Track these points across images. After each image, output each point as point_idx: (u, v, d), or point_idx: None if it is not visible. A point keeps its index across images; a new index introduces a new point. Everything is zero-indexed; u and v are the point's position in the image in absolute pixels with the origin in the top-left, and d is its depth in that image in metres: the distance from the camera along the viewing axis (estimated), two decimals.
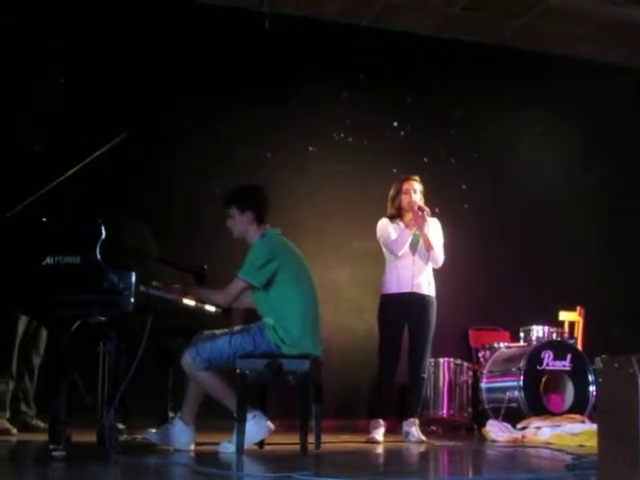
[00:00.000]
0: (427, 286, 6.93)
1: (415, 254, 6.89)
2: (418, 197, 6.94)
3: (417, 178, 7.02)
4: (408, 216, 6.94)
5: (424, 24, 9.04)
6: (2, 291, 4.83)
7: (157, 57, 8.08)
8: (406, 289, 6.86)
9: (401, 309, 6.86)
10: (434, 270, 7.01)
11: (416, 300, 6.87)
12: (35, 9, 7.76)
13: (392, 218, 6.97)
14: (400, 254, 6.84)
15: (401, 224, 6.93)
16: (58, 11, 7.82)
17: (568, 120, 9.58)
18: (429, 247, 6.87)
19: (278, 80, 8.57)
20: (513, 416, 7.34)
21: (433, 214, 6.96)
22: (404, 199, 6.95)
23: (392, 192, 7.05)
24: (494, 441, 6.92)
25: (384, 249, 6.99)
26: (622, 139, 9.76)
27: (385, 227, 6.95)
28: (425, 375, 6.95)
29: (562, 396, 7.71)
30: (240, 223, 5.56)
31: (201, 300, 5.60)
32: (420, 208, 6.83)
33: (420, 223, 6.83)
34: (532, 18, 8.93)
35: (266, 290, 5.42)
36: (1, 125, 7.03)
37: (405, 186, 6.98)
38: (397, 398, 7.26)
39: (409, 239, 6.84)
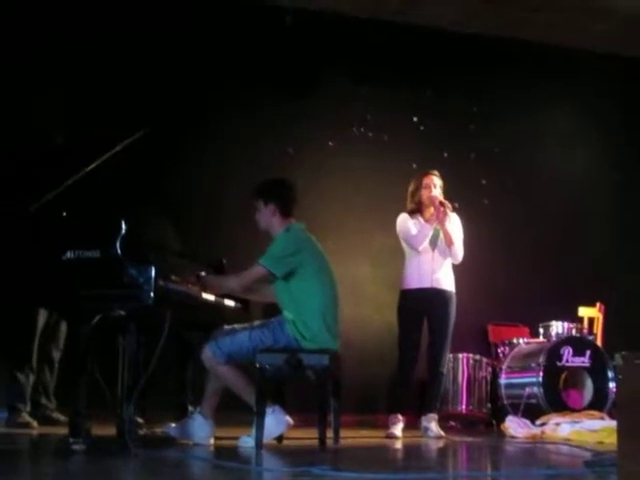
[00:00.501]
0: (447, 281, 6.93)
1: (435, 249, 6.88)
2: (438, 192, 6.93)
3: (437, 173, 7.01)
4: (429, 211, 6.93)
5: (445, 18, 9.00)
6: (23, 285, 4.87)
7: (181, 53, 8.09)
8: (426, 284, 6.85)
9: (421, 304, 6.86)
10: (453, 265, 7.00)
11: (436, 295, 6.86)
12: (58, 2, 7.80)
13: (412, 213, 6.97)
14: (420, 249, 6.83)
15: (421, 219, 6.92)
16: (83, 2, 7.86)
17: (589, 114, 9.54)
18: (450, 242, 6.86)
19: (299, 76, 8.57)
20: (532, 412, 7.33)
21: (453, 209, 6.94)
22: (424, 194, 6.94)
23: (412, 187, 7.04)
24: (513, 437, 6.90)
25: (403, 244, 6.99)
26: None
27: (405, 222, 6.94)
28: (444, 370, 6.95)
29: (581, 392, 7.69)
30: (265, 215, 5.62)
31: (215, 287, 5.59)
32: (441, 203, 6.81)
33: (441, 218, 6.82)
34: (554, 12, 8.89)
35: (287, 282, 5.44)
36: (23, 120, 7.07)
37: (425, 181, 6.97)
38: (416, 393, 7.26)
39: (429, 234, 6.83)
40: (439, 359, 6.84)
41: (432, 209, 6.90)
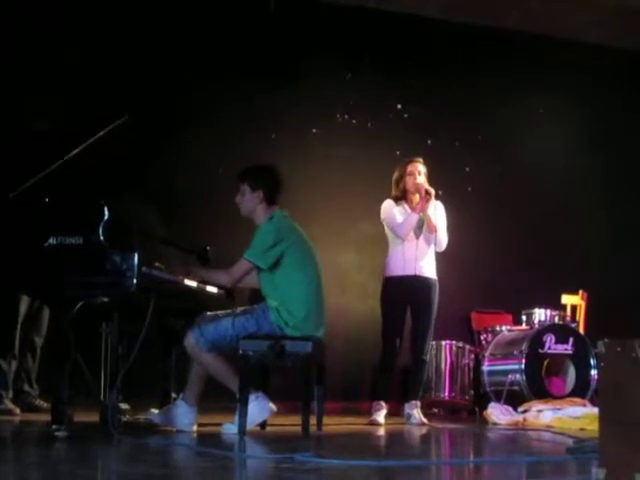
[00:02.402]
0: (430, 269, 6.93)
1: (419, 237, 6.89)
2: (423, 179, 6.92)
3: (421, 160, 7.01)
4: (414, 199, 6.92)
5: (429, 6, 8.99)
6: (5, 272, 4.85)
7: (161, 40, 8.05)
8: (410, 272, 6.86)
9: (404, 292, 6.86)
10: (437, 253, 7.00)
11: (419, 283, 6.87)
12: None
13: (396, 200, 6.96)
14: (406, 238, 6.83)
15: (407, 207, 6.91)
16: None
17: (574, 103, 9.54)
18: (432, 229, 6.86)
19: (282, 62, 8.55)
20: (514, 399, 7.36)
21: (437, 197, 6.94)
22: (409, 181, 6.93)
23: (396, 175, 7.03)
24: (495, 424, 6.94)
25: (388, 231, 6.98)
26: (629, 123, 9.73)
27: (390, 209, 6.94)
28: (427, 358, 6.96)
29: (564, 379, 7.73)
30: (250, 201, 5.57)
31: (205, 281, 5.60)
32: (427, 192, 6.80)
33: (425, 205, 6.82)
34: (538, 1, 8.89)
35: (271, 272, 5.43)
36: (4, 106, 7.03)
37: (410, 168, 6.96)
38: (399, 380, 7.28)
39: (414, 222, 6.83)
40: (422, 347, 6.85)
41: (417, 197, 6.90)
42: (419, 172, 6.93)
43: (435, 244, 6.92)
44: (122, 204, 5.06)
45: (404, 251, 6.87)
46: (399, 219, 6.86)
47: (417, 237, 6.89)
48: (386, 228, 6.99)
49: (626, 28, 9.35)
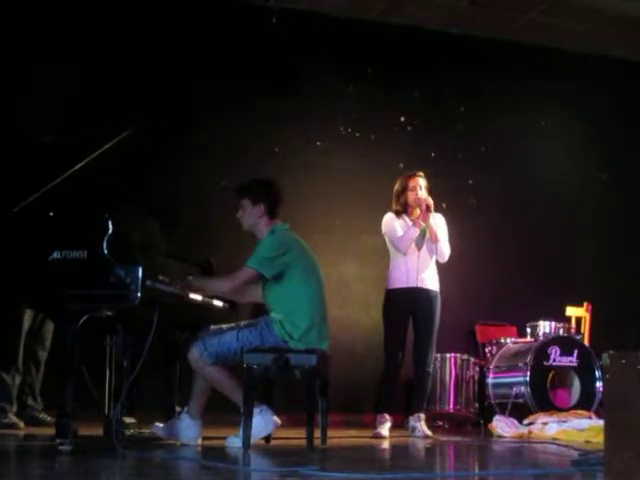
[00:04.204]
0: (432, 281, 6.92)
1: (421, 249, 6.88)
2: (424, 193, 6.91)
3: (422, 174, 7.00)
4: (415, 213, 6.92)
5: (432, 18, 9.02)
6: (10, 285, 4.85)
7: (165, 51, 8.07)
8: (412, 284, 6.85)
9: (407, 304, 6.86)
10: (441, 265, 7.00)
11: (422, 295, 6.87)
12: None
13: (397, 214, 6.96)
14: (406, 252, 6.83)
15: (408, 220, 6.91)
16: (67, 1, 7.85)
17: (576, 115, 9.55)
18: (435, 239, 6.85)
19: (285, 75, 8.57)
20: (520, 411, 7.34)
21: (439, 209, 6.93)
22: (410, 196, 6.92)
23: (397, 188, 7.02)
24: (500, 436, 6.92)
25: (389, 244, 6.98)
26: (630, 134, 9.73)
27: (391, 222, 6.93)
28: (431, 370, 6.95)
29: (569, 392, 7.71)
30: (251, 215, 5.56)
31: (206, 288, 5.58)
32: (428, 208, 6.80)
33: (425, 217, 6.82)
34: (540, 13, 8.91)
35: (275, 283, 5.43)
36: (9, 117, 7.05)
37: (411, 183, 6.95)
38: (403, 393, 7.27)
39: (415, 235, 6.82)
40: (425, 359, 6.84)
41: (418, 211, 6.90)
42: (420, 186, 6.92)
43: (437, 255, 6.91)
44: (125, 217, 5.06)
45: (407, 263, 6.86)
46: (400, 232, 6.86)
47: (419, 249, 6.88)
48: (387, 241, 6.99)
49: (628, 39, 9.35)
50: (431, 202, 6.80)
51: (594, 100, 9.57)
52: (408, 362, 6.92)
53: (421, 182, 6.95)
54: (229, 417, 5.78)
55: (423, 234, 6.87)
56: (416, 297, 6.85)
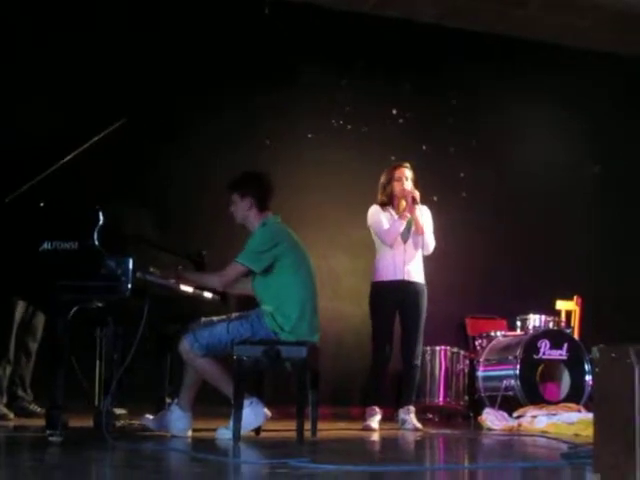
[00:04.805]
0: (418, 274, 6.91)
1: (407, 242, 6.88)
2: (410, 185, 6.90)
3: (408, 165, 6.99)
4: (401, 205, 6.91)
5: (424, 12, 9.01)
6: (0, 277, 4.84)
7: (157, 43, 8.05)
8: (399, 277, 6.84)
9: (393, 296, 6.85)
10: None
11: (408, 288, 6.86)
12: None
13: (383, 205, 6.95)
14: (391, 244, 6.83)
15: (393, 212, 6.91)
16: None
17: (568, 109, 9.56)
18: (420, 230, 6.84)
19: (277, 67, 8.55)
20: (509, 404, 7.36)
21: (429, 202, 6.92)
22: (396, 187, 6.91)
23: (383, 179, 7.01)
24: (490, 429, 6.93)
25: (374, 237, 6.98)
26: (623, 128, 9.74)
27: (377, 215, 6.92)
28: (419, 362, 6.94)
29: (558, 385, 7.73)
30: (241, 209, 5.58)
31: (196, 283, 5.59)
32: (414, 200, 6.79)
33: (411, 209, 6.81)
34: (534, 8, 8.90)
35: (265, 276, 5.43)
36: (2, 111, 7.03)
37: (397, 174, 6.94)
38: (392, 386, 7.28)
39: (401, 229, 6.82)
40: (413, 352, 6.84)
41: (404, 203, 6.89)
42: (406, 177, 6.92)
43: (422, 247, 6.90)
44: (116, 209, 5.05)
45: (393, 256, 6.85)
46: (385, 225, 6.85)
47: (405, 242, 6.87)
48: (373, 233, 6.98)
49: (627, 34, 9.36)
50: (417, 194, 6.80)
51: (588, 94, 9.57)
52: (397, 355, 6.92)
53: (407, 173, 6.94)
54: (219, 409, 5.79)
55: (409, 227, 6.86)
56: (403, 290, 6.84)
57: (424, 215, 6.93)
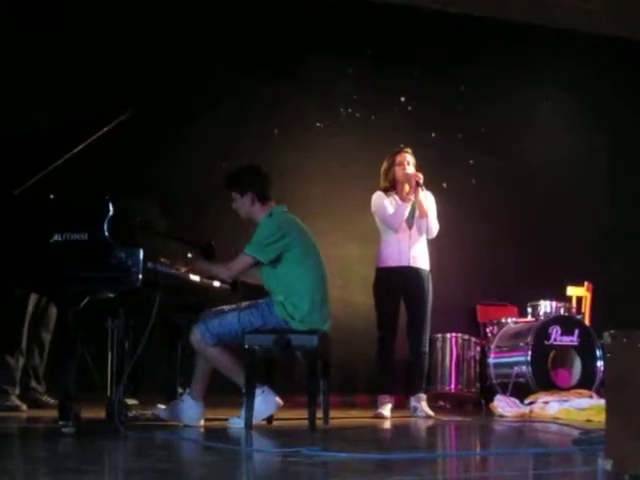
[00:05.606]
0: (423, 260, 6.89)
1: (412, 227, 6.86)
2: (412, 170, 6.89)
3: (409, 150, 6.98)
4: (404, 189, 6.89)
5: None
6: (11, 268, 4.85)
7: (163, 34, 8.04)
8: (404, 262, 6.83)
9: (398, 283, 6.84)
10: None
11: (413, 274, 6.84)
12: None
13: (386, 191, 6.94)
14: (398, 228, 6.81)
15: (397, 198, 6.89)
16: None
17: (577, 95, 9.53)
18: (424, 214, 6.82)
19: (284, 56, 8.54)
20: (521, 391, 7.36)
21: (435, 189, 6.88)
22: (398, 171, 6.90)
23: (385, 165, 7.00)
24: (502, 416, 6.94)
25: (379, 223, 6.96)
26: (632, 114, 9.71)
27: (381, 201, 6.91)
28: (427, 349, 6.93)
29: (570, 371, 7.73)
30: (243, 205, 5.56)
31: (205, 273, 5.60)
32: (418, 183, 6.77)
33: (415, 193, 6.79)
34: None
35: (273, 267, 5.43)
36: (7, 102, 7.03)
37: (398, 159, 6.93)
38: (403, 373, 7.27)
39: (406, 212, 6.81)
40: (420, 339, 6.83)
41: (407, 187, 6.87)
42: (408, 162, 6.91)
43: (427, 232, 6.88)
44: (125, 199, 5.06)
45: (399, 241, 6.83)
46: (390, 210, 6.84)
47: (410, 227, 6.85)
48: (377, 220, 6.97)
49: (629, 18, 9.31)
50: (421, 177, 6.78)
51: (596, 80, 9.55)
52: (405, 342, 6.90)
53: (408, 158, 6.93)
54: (231, 398, 5.80)
55: (412, 210, 6.84)
56: (408, 276, 6.83)
57: (427, 199, 6.91)
